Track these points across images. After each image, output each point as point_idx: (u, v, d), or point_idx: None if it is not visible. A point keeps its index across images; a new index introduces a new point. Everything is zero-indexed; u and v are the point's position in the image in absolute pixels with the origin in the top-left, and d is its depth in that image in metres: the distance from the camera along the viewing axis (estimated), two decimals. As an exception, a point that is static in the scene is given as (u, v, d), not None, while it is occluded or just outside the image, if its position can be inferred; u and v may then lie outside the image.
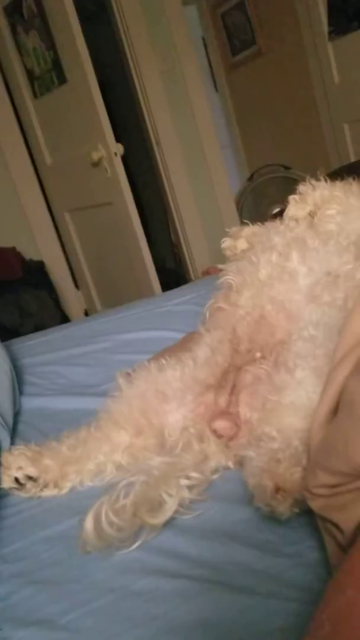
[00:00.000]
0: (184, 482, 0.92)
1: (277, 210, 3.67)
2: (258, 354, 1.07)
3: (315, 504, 0.72)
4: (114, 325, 1.88)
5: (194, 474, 0.94)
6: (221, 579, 0.76)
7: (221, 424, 1.04)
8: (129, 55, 3.44)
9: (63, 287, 3.88)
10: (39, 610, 0.78)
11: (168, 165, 3.58)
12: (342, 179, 1.20)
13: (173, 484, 0.90)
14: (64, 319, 3.66)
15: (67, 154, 3.45)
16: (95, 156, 3.09)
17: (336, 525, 0.69)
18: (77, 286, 3.98)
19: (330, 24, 3.63)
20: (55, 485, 1.04)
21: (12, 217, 3.71)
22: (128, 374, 1.14)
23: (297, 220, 1.18)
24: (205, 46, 4.74)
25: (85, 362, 1.64)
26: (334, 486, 0.69)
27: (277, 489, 0.81)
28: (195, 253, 3.68)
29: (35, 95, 3.49)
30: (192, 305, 1.81)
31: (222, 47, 4.62)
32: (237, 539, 0.83)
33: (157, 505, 0.88)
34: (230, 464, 1.00)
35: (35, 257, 3.76)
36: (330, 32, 3.64)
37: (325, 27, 3.66)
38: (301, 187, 1.20)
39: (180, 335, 1.50)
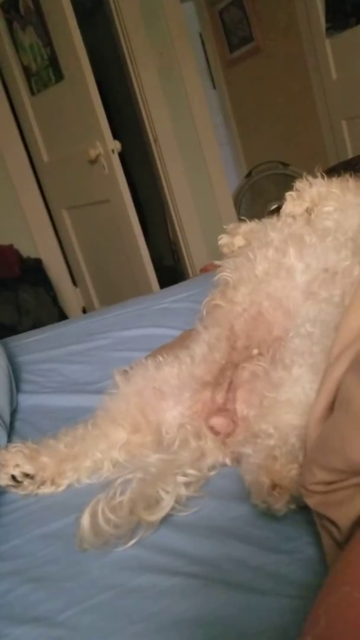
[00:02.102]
0: (180, 479, 0.92)
1: (274, 207, 3.67)
2: (255, 351, 1.07)
3: (311, 501, 0.72)
4: (111, 323, 1.88)
5: (190, 471, 0.94)
6: (218, 575, 0.76)
7: (218, 421, 1.04)
8: (126, 52, 3.43)
9: (61, 284, 3.88)
10: (36, 607, 0.78)
11: (166, 163, 3.57)
12: (339, 175, 1.20)
13: (170, 481, 0.90)
14: (62, 316, 3.66)
15: (64, 151, 3.45)
16: (92, 153, 3.08)
17: (333, 522, 0.69)
18: (74, 284, 3.98)
19: (328, 20, 3.62)
20: (53, 483, 1.04)
21: (9, 214, 3.71)
22: (125, 371, 1.14)
23: (294, 217, 1.18)
24: (203, 43, 4.73)
25: (83, 359, 1.64)
26: (330, 483, 0.69)
27: (274, 486, 0.81)
28: (193, 250, 3.68)
29: (32, 92, 3.49)
30: (190, 303, 1.81)
31: (219, 43, 4.61)
32: (234, 536, 0.83)
33: (154, 502, 0.88)
34: (227, 461, 1.00)
35: (33, 255, 3.75)
36: (328, 29, 3.63)
37: (323, 24, 3.65)
38: (298, 184, 1.19)
39: (177, 333, 1.50)
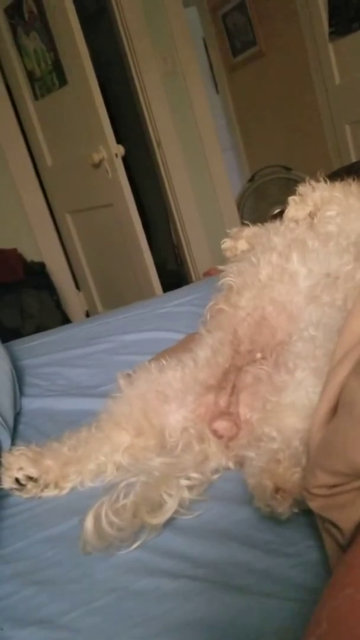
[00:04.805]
0: (184, 482, 0.92)
1: (277, 211, 3.67)
2: (258, 355, 1.07)
3: (314, 504, 0.72)
4: (114, 327, 1.88)
5: (194, 475, 0.94)
6: (221, 578, 0.77)
7: (221, 425, 1.04)
8: (129, 57, 3.44)
9: (64, 288, 3.89)
10: (39, 610, 0.78)
11: (169, 167, 3.58)
12: (342, 179, 1.20)
13: (173, 484, 0.90)
14: (65, 320, 3.67)
15: (68, 155, 3.46)
16: (96, 157, 3.10)
17: (335, 525, 0.69)
18: (78, 287, 3.98)
19: (331, 24, 3.63)
20: (56, 486, 1.05)
21: (13, 218, 3.72)
22: (129, 375, 1.14)
23: (297, 221, 1.18)
24: (206, 47, 4.74)
25: (86, 363, 1.64)
26: (333, 486, 0.69)
27: (277, 489, 0.81)
28: (196, 254, 3.69)
29: (35, 97, 3.50)
30: (193, 307, 1.82)
31: (223, 48, 4.62)
32: (237, 539, 0.83)
33: (157, 506, 0.88)
34: (231, 465, 1.00)
35: (37, 259, 3.77)
36: (331, 33, 3.64)
37: (326, 28, 3.66)
38: (301, 188, 1.20)
39: (180, 336, 1.50)
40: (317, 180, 1.19)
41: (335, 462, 0.68)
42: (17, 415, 1.39)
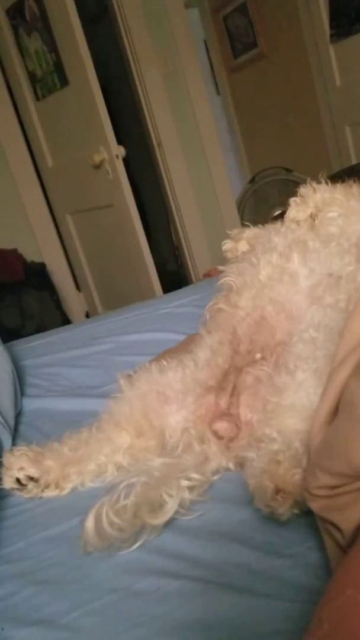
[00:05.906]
0: (184, 483, 0.92)
1: (278, 212, 3.67)
2: (258, 355, 1.07)
3: (315, 505, 0.73)
4: (115, 327, 1.88)
5: (194, 475, 0.94)
6: (221, 579, 0.77)
7: (222, 425, 1.04)
8: (130, 58, 3.44)
9: (64, 288, 3.89)
10: (40, 610, 0.78)
11: (169, 168, 3.58)
12: (343, 181, 1.20)
13: (174, 485, 0.91)
14: (65, 320, 3.67)
15: (68, 156, 3.46)
16: (96, 158, 3.10)
17: (336, 526, 0.69)
18: (78, 288, 3.98)
19: (332, 26, 3.64)
20: (57, 486, 1.05)
21: (13, 219, 3.72)
22: (129, 376, 1.14)
23: (298, 222, 1.18)
24: (207, 49, 4.74)
25: (87, 363, 1.64)
26: (334, 487, 0.70)
27: (278, 490, 0.81)
28: (196, 255, 3.69)
29: (37, 98, 3.50)
30: (193, 307, 1.82)
31: (224, 49, 4.62)
32: (238, 540, 0.83)
33: (157, 506, 0.88)
34: (231, 465, 1.01)
35: (37, 259, 3.77)
36: (332, 35, 3.65)
37: (327, 30, 3.66)
38: (302, 190, 1.20)
39: (181, 337, 1.50)
40: (319, 182, 1.19)
41: (336, 463, 0.69)
42: (18, 415, 1.39)
